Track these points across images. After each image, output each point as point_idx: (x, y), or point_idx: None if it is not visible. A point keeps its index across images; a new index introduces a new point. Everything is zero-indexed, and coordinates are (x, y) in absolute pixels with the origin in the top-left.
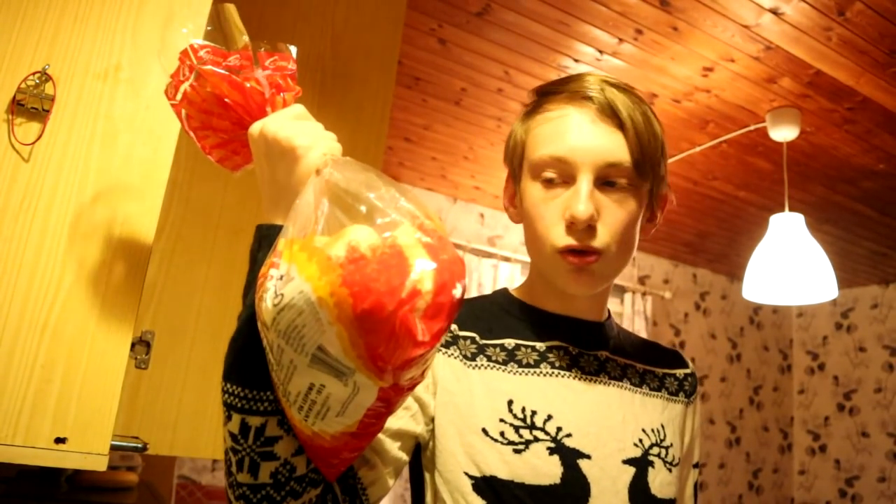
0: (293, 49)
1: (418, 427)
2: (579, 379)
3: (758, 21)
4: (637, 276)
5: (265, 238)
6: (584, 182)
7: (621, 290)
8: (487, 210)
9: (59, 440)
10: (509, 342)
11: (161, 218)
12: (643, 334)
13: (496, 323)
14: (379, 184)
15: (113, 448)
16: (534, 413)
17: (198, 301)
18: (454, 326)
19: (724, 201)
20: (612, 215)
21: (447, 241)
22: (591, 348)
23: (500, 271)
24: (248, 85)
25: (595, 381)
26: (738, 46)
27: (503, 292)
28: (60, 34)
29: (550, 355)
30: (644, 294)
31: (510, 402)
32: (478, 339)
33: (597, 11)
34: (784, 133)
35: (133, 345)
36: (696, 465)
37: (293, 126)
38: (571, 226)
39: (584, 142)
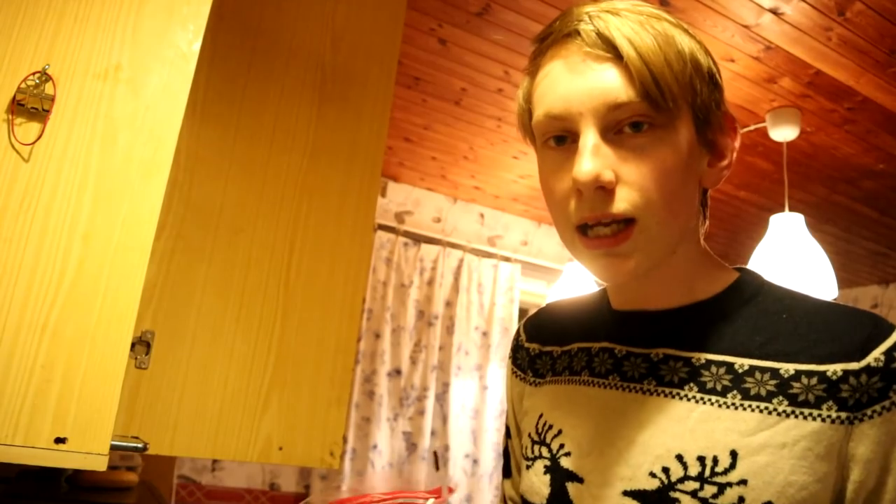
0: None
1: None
2: (612, 387)
3: (758, 21)
4: None
5: None
6: (585, 136)
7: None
8: (487, 210)
9: (59, 440)
10: (574, 347)
11: (161, 218)
12: None
13: (580, 326)
14: None
15: (113, 448)
16: (549, 427)
17: (198, 301)
18: (535, 346)
19: (724, 201)
20: (635, 170)
21: None
22: (644, 346)
23: (500, 271)
24: None
25: (630, 390)
26: (738, 46)
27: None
28: (60, 34)
29: (596, 360)
30: None
31: (540, 416)
32: (554, 352)
33: None
34: (784, 133)
35: (133, 345)
36: None
37: None
38: (578, 193)
39: (575, 87)
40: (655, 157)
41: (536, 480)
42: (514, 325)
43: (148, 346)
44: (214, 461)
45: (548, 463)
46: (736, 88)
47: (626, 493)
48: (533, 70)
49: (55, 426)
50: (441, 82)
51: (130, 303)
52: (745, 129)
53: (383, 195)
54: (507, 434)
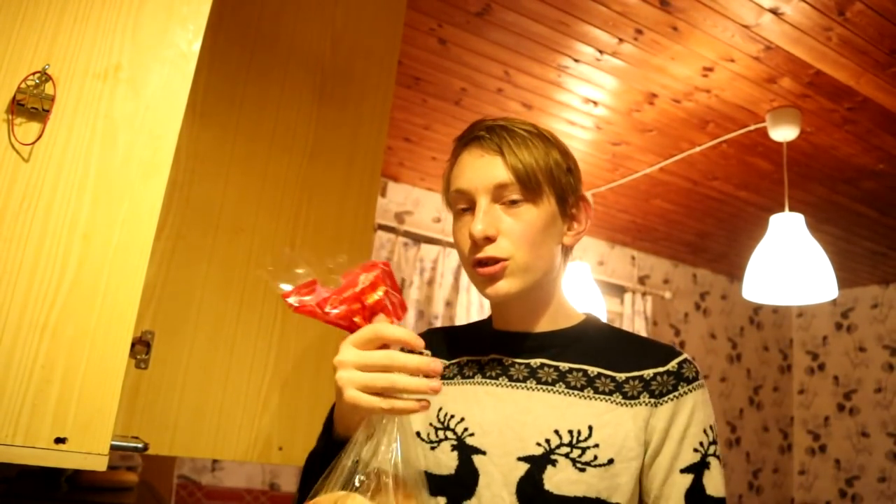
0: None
1: None
2: (504, 386)
3: (758, 21)
4: (637, 277)
5: (327, 449)
6: (479, 204)
7: (621, 290)
8: None
9: (59, 440)
10: (463, 359)
11: (161, 218)
12: (643, 334)
13: (466, 344)
14: None
15: (113, 448)
16: (451, 417)
17: (198, 301)
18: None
19: (724, 201)
20: (512, 227)
21: None
22: (525, 357)
23: None
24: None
25: (517, 387)
26: (738, 46)
27: (489, 318)
28: (60, 34)
29: (487, 367)
30: (644, 294)
31: (439, 409)
32: (444, 361)
33: (597, 11)
34: (784, 133)
35: (133, 345)
36: (688, 470)
37: (342, 353)
38: (474, 243)
39: (474, 172)
40: (525, 218)
41: (443, 457)
42: None
43: (148, 346)
44: (214, 461)
45: (454, 443)
46: (736, 88)
47: (519, 459)
48: (452, 160)
49: (55, 426)
50: (441, 82)
51: (130, 303)
52: (745, 129)
53: (383, 195)
54: None
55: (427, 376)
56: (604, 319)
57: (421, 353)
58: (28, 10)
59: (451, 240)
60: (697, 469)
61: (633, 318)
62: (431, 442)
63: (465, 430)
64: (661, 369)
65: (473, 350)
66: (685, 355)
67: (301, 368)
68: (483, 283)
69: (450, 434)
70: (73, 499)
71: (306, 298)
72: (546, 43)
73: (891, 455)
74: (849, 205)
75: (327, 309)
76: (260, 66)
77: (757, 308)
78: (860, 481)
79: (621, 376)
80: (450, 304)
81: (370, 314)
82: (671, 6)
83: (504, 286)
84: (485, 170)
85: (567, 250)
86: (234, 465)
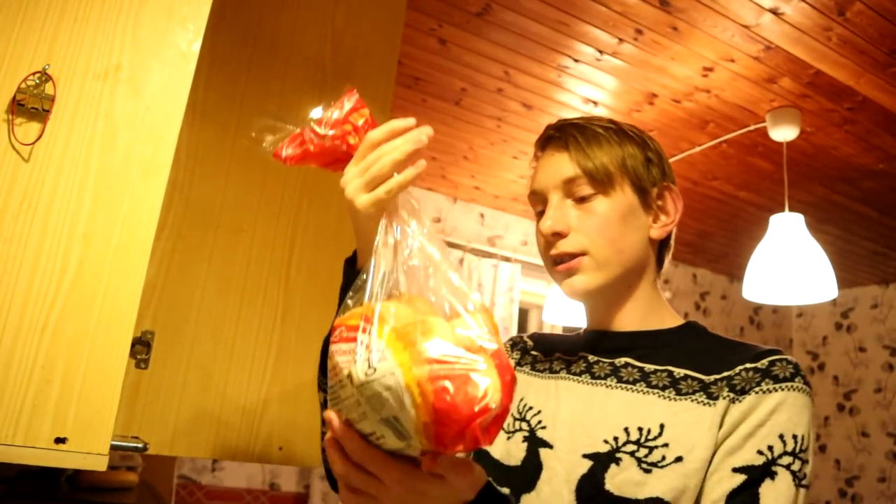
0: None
1: None
2: (585, 383)
3: (758, 21)
4: None
5: (349, 280)
6: (550, 201)
7: None
8: (487, 210)
9: (59, 440)
10: (556, 355)
11: (161, 218)
12: None
13: (563, 344)
14: (447, 265)
15: (113, 448)
16: (529, 408)
17: (198, 301)
18: (531, 344)
19: (724, 201)
20: (585, 221)
21: (505, 356)
22: (610, 355)
23: (500, 271)
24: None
25: (597, 385)
26: (738, 46)
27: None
28: (60, 34)
29: (574, 364)
30: None
31: (521, 400)
32: (538, 356)
33: (597, 11)
34: (784, 133)
35: (133, 345)
36: (742, 470)
37: (345, 173)
38: (546, 240)
39: (544, 171)
40: (599, 212)
41: (514, 447)
42: (515, 325)
43: (148, 346)
44: (214, 461)
45: (526, 434)
46: (736, 88)
47: (584, 456)
48: (532, 164)
49: (55, 426)
50: (441, 82)
51: (130, 303)
52: (745, 129)
53: None
54: None
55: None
56: None
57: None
58: (28, 10)
59: (451, 240)
60: (755, 474)
61: None
62: (508, 431)
63: (539, 422)
64: (748, 365)
65: (567, 349)
66: (785, 356)
67: (301, 368)
68: (560, 279)
69: (524, 425)
70: (73, 499)
71: (296, 147)
72: (546, 43)
73: (891, 455)
74: (849, 205)
75: (321, 130)
76: (260, 65)
77: (757, 308)
78: (860, 481)
79: (710, 378)
80: None
81: (363, 133)
82: (671, 6)
83: (580, 282)
84: (553, 167)
85: (657, 245)
86: (234, 465)
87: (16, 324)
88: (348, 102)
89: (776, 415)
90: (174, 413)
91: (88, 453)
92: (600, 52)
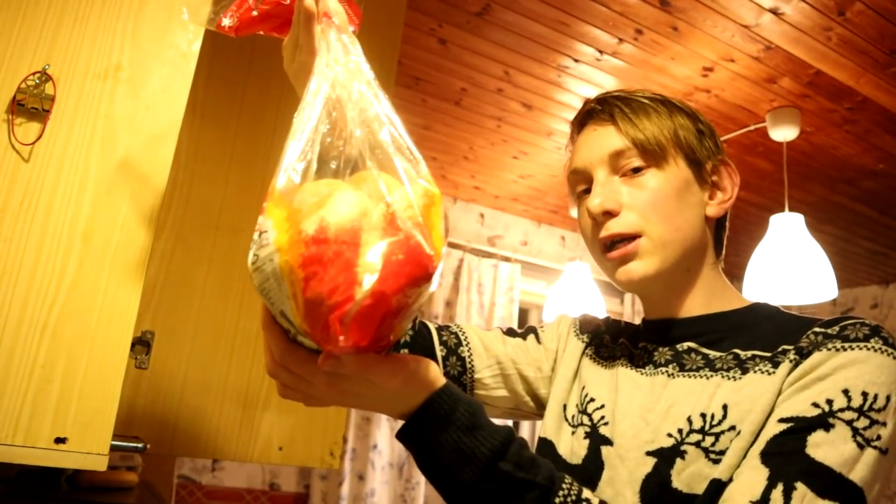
0: None
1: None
2: (647, 374)
3: (758, 21)
4: None
5: None
6: (596, 178)
7: (622, 290)
8: (487, 210)
9: (59, 440)
10: (621, 341)
11: (161, 218)
12: None
13: (628, 332)
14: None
15: (113, 448)
16: (591, 401)
17: (198, 301)
18: (603, 326)
19: None
20: (637, 197)
21: (414, 235)
22: (670, 343)
23: (499, 271)
24: None
25: (658, 374)
26: (738, 46)
27: None
28: (60, 34)
29: (636, 353)
30: None
31: (583, 389)
32: (605, 339)
33: (597, 11)
34: (784, 133)
35: (133, 345)
36: (788, 420)
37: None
38: (594, 221)
39: (587, 147)
40: (652, 187)
41: (576, 444)
42: (515, 325)
43: (148, 346)
44: (214, 461)
45: (588, 430)
46: (736, 88)
47: (647, 453)
48: (569, 145)
49: (55, 426)
50: (441, 82)
51: (130, 303)
52: (745, 129)
53: None
54: (529, 333)
55: None
56: None
57: None
58: (28, 10)
59: (451, 240)
60: (805, 423)
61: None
62: (573, 426)
63: (602, 417)
64: (818, 329)
65: (631, 335)
66: (861, 319)
67: None
68: (613, 267)
69: (586, 420)
70: (73, 499)
71: (240, 15)
72: (546, 43)
73: None
74: (849, 205)
75: None
76: (260, 65)
77: None
78: None
79: (776, 351)
80: (450, 305)
81: None
82: (671, 6)
83: (639, 268)
84: (598, 141)
85: (714, 224)
86: (234, 465)
87: (16, 323)
88: None
89: (843, 371)
90: (174, 413)
91: (88, 453)
92: (600, 52)
